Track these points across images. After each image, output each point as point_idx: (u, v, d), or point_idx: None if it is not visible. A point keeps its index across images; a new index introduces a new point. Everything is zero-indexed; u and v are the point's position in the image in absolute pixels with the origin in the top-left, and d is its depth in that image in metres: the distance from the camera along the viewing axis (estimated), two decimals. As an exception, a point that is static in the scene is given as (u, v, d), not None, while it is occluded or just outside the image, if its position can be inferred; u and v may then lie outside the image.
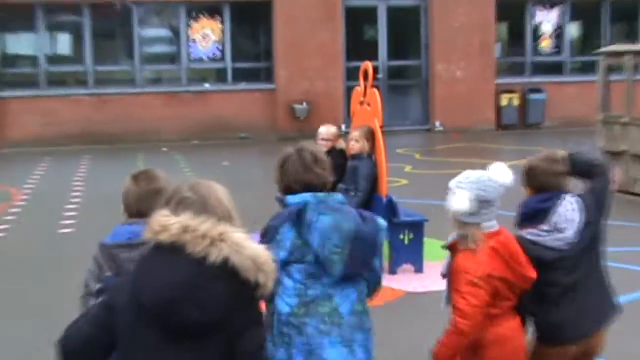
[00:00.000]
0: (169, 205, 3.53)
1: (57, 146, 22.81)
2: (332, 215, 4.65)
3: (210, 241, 3.36)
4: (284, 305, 4.62)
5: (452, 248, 5.02)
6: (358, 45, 25.86)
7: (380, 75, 25.38)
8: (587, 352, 5.20)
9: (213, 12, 24.97)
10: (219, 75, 25.27)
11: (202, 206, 3.52)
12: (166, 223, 3.43)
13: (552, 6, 26.97)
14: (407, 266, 9.86)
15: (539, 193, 5.27)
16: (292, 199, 4.73)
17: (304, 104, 24.32)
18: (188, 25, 24.87)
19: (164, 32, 25.69)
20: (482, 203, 4.86)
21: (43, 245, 12.04)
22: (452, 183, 4.96)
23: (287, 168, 4.88)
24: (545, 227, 5.10)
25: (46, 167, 19.68)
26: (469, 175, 4.95)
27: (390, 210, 9.64)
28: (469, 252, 4.88)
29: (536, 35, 27.06)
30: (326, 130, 10.61)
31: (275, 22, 24.75)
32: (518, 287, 4.94)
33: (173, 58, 25.32)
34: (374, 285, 5.04)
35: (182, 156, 21.24)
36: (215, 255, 3.34)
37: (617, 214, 13.39)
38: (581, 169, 5.37)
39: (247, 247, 3.40)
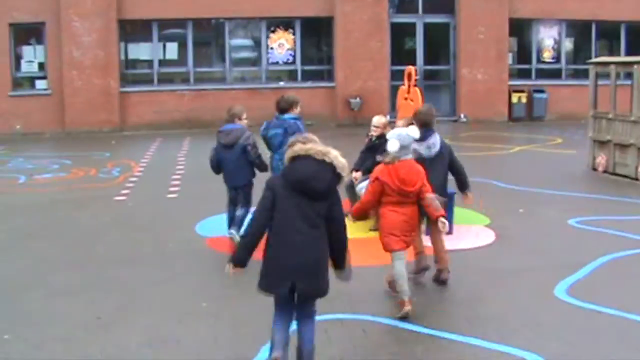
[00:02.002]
0: (300, 143, 5.40)
1: (166, 129, 22.98)
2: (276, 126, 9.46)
3: (324, 153, 5.32)
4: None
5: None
6: (400, 53, 25.59)
7: (417, 77, 25.17)
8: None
9: (287, 26, 24.84)
10: (291, 75, 25.14)
11: (315, 141, 5.45)
12: (305, 147, 5.36)
13: (552, 25, 26.62)
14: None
15: (422, 128, 7.75)
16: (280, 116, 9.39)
17: (358, 98, 24.19)
18: (267, 37, 24.78)
19: (249, 42, 25.54)
20: (402, 147, 6.97)
21: (155, 207, 12.12)
22: (389, 135, 7.13)
23: (278, 102, 9.46)
24: (424, 144, 7.84)
25: (157, 146, 19.85)
26: (398, 132, 7.15)
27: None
28: (383, 164, 7.06)
29: (540, 47, 26.70)
30: (377, 119, 10.50)
31: (336, 34, 24.59)
32: (396, 192, 6.92)
33: (255, 62, 25.18)
34: None
35: (259, 137, 21.20)
36: (327, 160, 5.31)
37: (602, 190, 13.38)
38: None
39: (339, 157, 5.36)
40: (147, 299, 7.49)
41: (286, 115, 9.45)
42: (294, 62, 25.01)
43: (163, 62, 24.38)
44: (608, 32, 27.32)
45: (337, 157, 5.30)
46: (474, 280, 8.03)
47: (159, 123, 23.36)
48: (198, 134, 22.28)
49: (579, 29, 26.98)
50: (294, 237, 5.22)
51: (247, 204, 9.03)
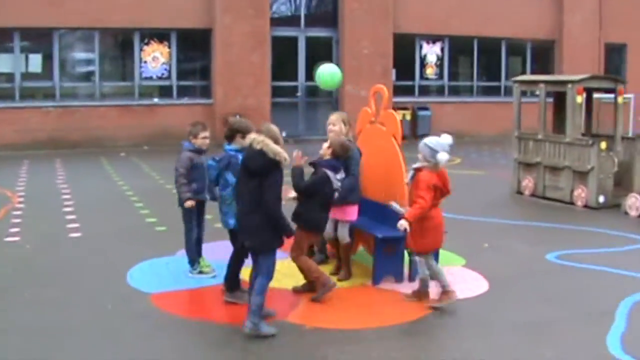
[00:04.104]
0: (253, 133, 6.88)
1: (29, 150, 20.52)
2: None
3: (257, 142, 6.50)
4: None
5: (417, 170, 7.39)
6: (282, 68, 24.07)
7: (299, 94, 23.83)
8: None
9: (162, 38, 22.78)
10: (166, 92, 23.03)
11: (270, 132, 6.75)
12: (249, 138, 6.70)
13: (435, 41, 25.82)
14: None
15: (335, 158, 7.89)
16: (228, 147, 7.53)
17: (237, 116, 22.41)
18: (141, 49, 22.63)
19: (120, 54, 23.38)
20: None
21: (61, 250, 9.74)
22: (429, 142, 7.33)
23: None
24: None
25: (27, 170, 17.21)
26: (442, 143, 7.28)
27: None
28: (429, 171, 7.30)
29: (423, 64, 25.85)
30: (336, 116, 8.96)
31: (214, 48, 22.83)
32: (441, 194, 7.41)
33: (127, 76, 23.00)
34: None
35: (139, 159, 19.22)
36: (261, 147, 6.46)
37: (531, 216, 12.39)
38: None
39: (270, 145, 6.46)
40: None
41: (228, 146, 7.51)
42: (169, 77, 22.98)
43: (26, 76, 21.65)
44: (489, 49, 26.85)
45: (267, 145, 6.46)
46: (509, 339, 6.54)
47: (20, 143, 20.78)
48: (66, 155, 20.02)
49: (461, 46, 26.42)
50: (242, 205, 6.64)
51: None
